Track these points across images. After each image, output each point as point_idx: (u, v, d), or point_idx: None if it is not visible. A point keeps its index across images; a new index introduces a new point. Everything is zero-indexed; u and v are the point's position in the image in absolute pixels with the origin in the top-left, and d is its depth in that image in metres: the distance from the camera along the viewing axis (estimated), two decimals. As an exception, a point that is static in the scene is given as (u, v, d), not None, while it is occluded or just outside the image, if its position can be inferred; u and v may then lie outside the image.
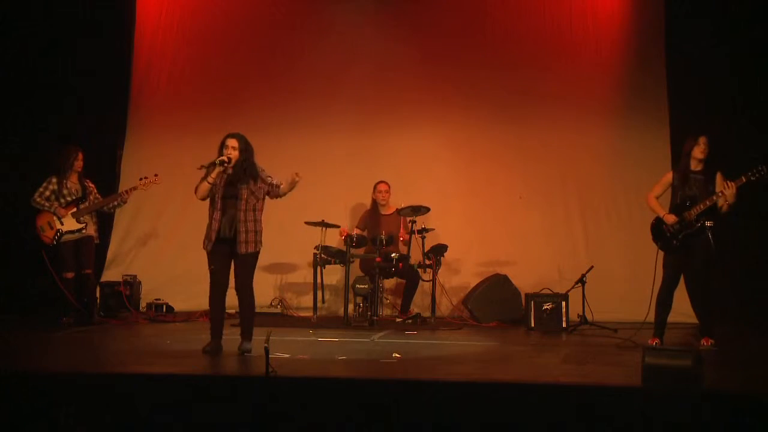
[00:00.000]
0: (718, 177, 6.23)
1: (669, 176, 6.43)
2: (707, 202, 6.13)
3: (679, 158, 6.56)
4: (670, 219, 6.25)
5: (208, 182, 5.77)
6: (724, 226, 8.10)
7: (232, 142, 5.84)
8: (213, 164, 5.75)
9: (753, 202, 8.08)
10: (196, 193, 5.86)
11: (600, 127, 8.89)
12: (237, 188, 5.80)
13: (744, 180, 6.03)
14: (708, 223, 6.13)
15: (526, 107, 8.92)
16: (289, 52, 9.18)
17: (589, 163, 8.83)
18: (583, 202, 8.83)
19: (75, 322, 7.47)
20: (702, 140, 6.28)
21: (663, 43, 8.74)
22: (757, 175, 5.98)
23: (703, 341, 6.21)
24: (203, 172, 5.80)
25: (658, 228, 6.37)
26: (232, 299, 8.78)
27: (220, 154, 5.80)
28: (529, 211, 8.86)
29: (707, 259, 6.18)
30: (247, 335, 5.83)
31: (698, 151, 6.26)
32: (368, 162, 8.91)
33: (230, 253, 5.81)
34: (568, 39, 8.98)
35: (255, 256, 5.88)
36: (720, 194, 6.09)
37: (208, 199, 5.89)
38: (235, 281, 5.90)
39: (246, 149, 5.87)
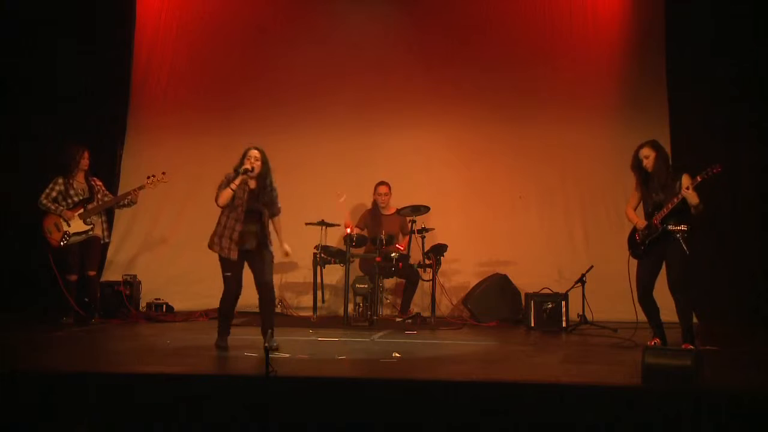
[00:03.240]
0: (685, 178, 6.08)
1: (639, 189, 6.38)
2: (669, 206, 6.03)
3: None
4: (640, 225, 6.25)
5: (231, 189, 5.89)
6: (726, 227, 8.19)
7: (255, 154, 6.00)
8: (237, 173, 5.90)
9: (753, 202, 8.13)
10: (216, 200, 5.98)
11: (600, 126, 8.89)
12: (259, 205, 5.99)
13: (699, 179, 5.90)
14: (677, 228, 5.99)
15: (526, 107, 8.93)
16: (290, 53, 9.18)
17: (589, 162, 8.84)
18: (583, 202, 8.83)
19: (75, 322, 7.48)
20: (641, 153, 6.23)
21: (663, 44, 8.74)
22: (709, 173, 5.84)
23: (683, 347, 5.94)
24: (216, 176, 6.02)
25: (632, 237, 6.38)
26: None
27: (241, 164, 5.94)
28: (529, 210, 8.87)
29: (678, 265, 6.03)
30: (269, 331, 5.87)
31: (642, 164, 6.22)
32: (368, 162, 8.91)
33: (244, 258, 5.99)
34: (567, 39, 8.98)
35: (272, 254, 6.12)
36: (680, 197, 5.96)
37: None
38: (259, 278, 6.03)
39: (267, 162, 6.04)
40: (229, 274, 5.97)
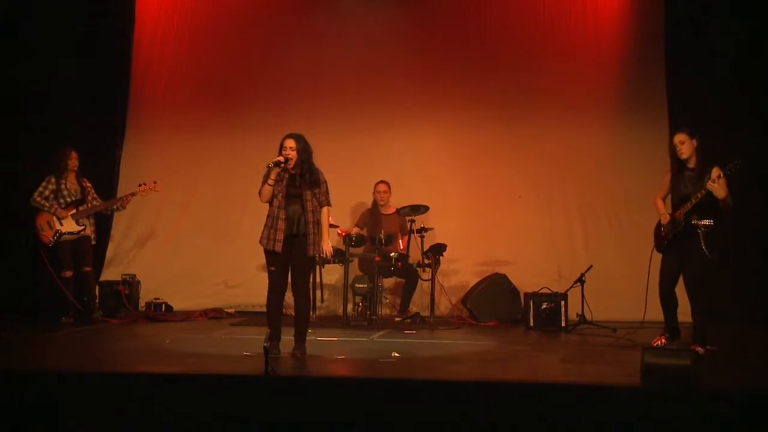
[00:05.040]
0: (714, 171, 5.85)
1: (667, 176, 6.21)
2: (693, 200, 5.86)
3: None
4: (664, 220, 6.10)
5: (269, 184, 5.73)
6: (727, 226, 8.18)
7: (290, 143, 5.79)
8: (271, 166, 5.71)
9: (754, 202, 8.13)
10: (260, 196, 5.82)
11: (600, 127, 8.89)
12: (300, 188, 5.79)
13: (722, 175, 5.78)
14: (700, 222, 5.84)
15: (526, 107, 8.92)
16: (289, 53, 9.18)
17: (589, 162, 8.83)
18: (582, 202, 8.83)
19: (75, 322, 7.49)
20: (676, 139, 6.07)
21: (663, 44, 8.73)
22: (733, 169, 5.73)
23: (693, 348, 5.72)
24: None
25: (658, 229, 6.26)
26: (233, 298, 8.73)
27: (279, 155, 5.77)
28: (528, 210, 8.87)
29: (697, 264, 5.87)
30: (301, 338, 5.81)
31: (676, 152, 6.07)
32: (368, 162, 8.90)
33: (289, 255, 5.77)
34: (567, 39, 8.98)
35: (315, 259, 5.97)
36: (705, 191, 5.79)
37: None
38: (294, 283, 5.88)
39: (305, 149, 5.83)
40: (273, 268, 5.78)
